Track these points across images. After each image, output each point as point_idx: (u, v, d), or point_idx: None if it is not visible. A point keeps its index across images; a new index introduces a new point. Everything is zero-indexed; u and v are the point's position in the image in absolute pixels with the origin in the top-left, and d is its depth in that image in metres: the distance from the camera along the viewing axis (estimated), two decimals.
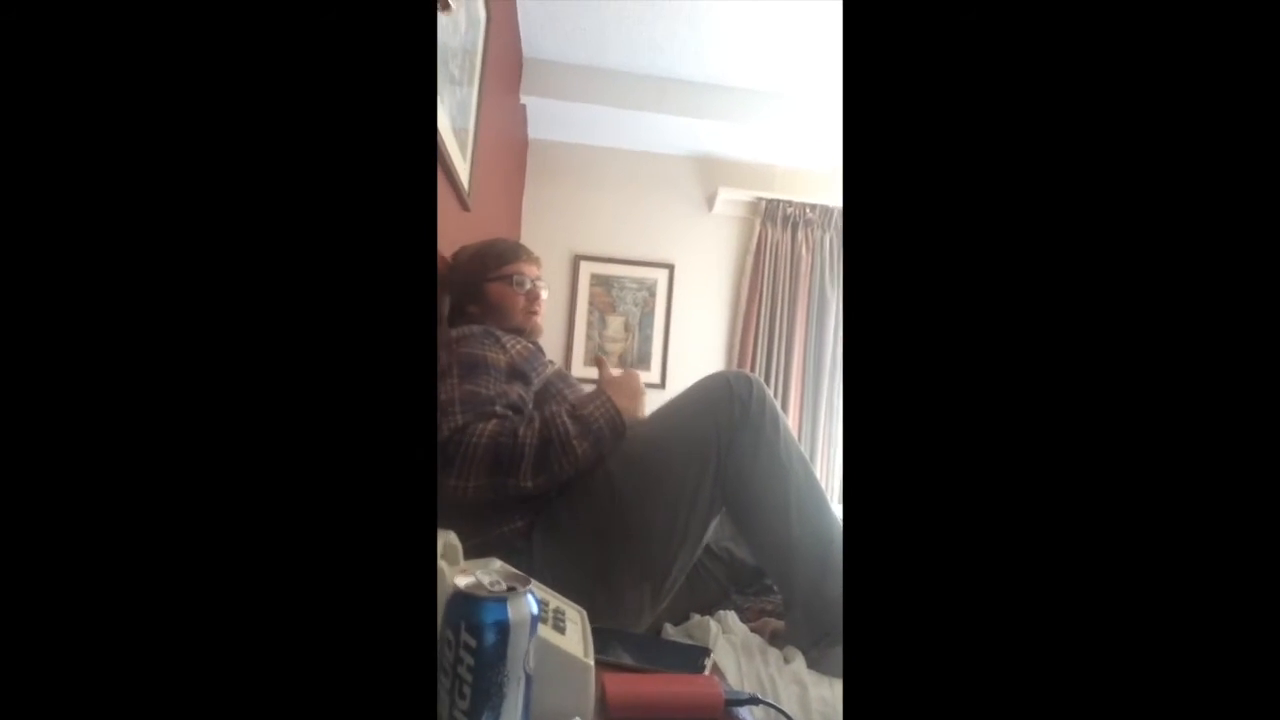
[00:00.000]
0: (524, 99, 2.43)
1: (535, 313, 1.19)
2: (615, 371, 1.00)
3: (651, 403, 1.00)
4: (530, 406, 1.00)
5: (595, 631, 0.59)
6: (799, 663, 0.85)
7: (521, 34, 2.24)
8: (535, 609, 0.44)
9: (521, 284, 1.17)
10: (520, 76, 2.39)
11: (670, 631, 0.94)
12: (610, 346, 2.81)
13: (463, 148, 1.45)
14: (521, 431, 0.88)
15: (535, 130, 2.74)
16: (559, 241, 2.80)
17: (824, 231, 2.81)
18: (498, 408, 0.92)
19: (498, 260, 1.19)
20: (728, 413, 0.90)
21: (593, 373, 2.70)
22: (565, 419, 0.90)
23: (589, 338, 2.82)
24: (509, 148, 2.32)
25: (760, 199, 2.79)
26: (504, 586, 0.44)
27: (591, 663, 0.53)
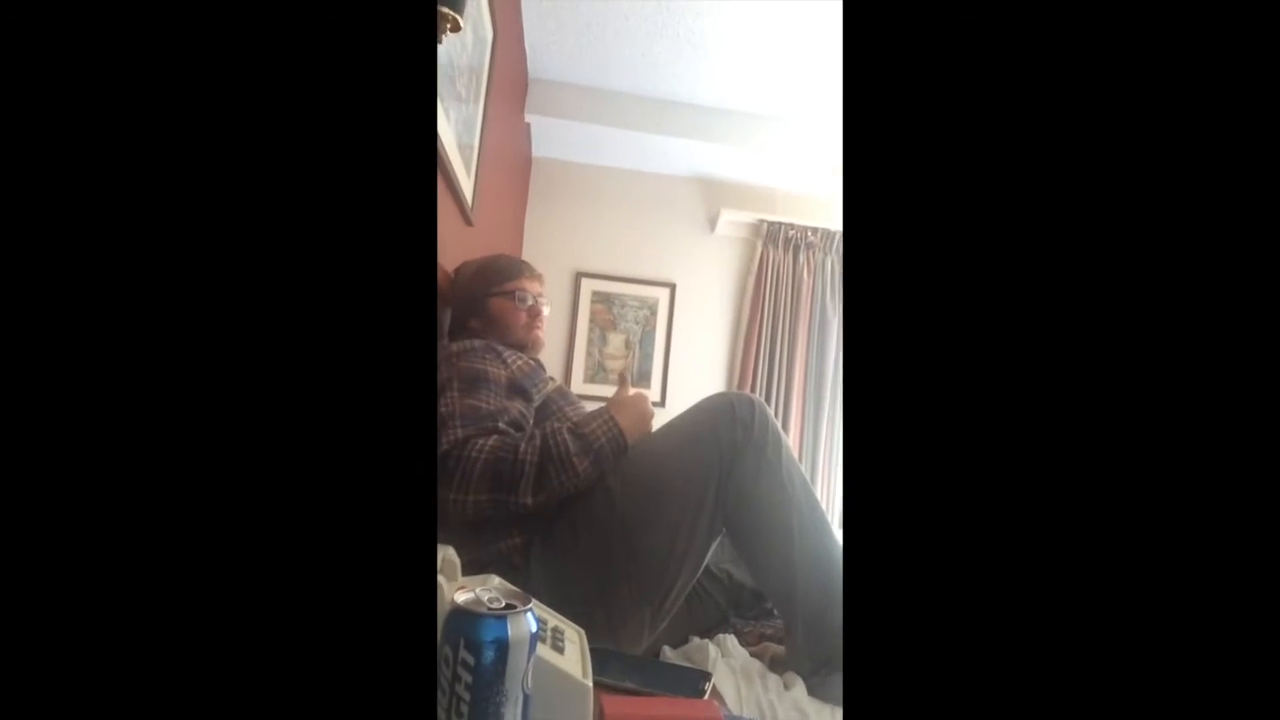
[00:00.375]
0: (529, 117, 2.45)
1: (536, 328, 1.19)
2: (631, 391, 1.00)
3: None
4: (531, 423, 0.99)
5: (593, 652, 0.58)
6: (799, 689, 0.83)
7: (527, 54, 2.27)
8: (534, 627, 0.43)
9: (523, 300, 1.17)
10: (525, 95, 2.41)
11: (669, 654, 0.92)
12: (610, 364, 2.81)
13: (467, 164, 1.46)
14: (522, 448, 0.87)
15: (539, 149, 2.77)
16: (561, 258, 2.80)
17: (825, 255, 2.82)
18: (499, 424, 0.91)
19: (500, 276, 1.19)
20: (730, 434, 0.90)
21: (594, 389, 2.73)
22: (566, 436, 0.89)
23: (589, 354, 2.81)
24: (513, 165, 2.33)
25: (762, 221, 2.80)
26: (503, 604, 0.43)
27: (590, 684, 0.52)
